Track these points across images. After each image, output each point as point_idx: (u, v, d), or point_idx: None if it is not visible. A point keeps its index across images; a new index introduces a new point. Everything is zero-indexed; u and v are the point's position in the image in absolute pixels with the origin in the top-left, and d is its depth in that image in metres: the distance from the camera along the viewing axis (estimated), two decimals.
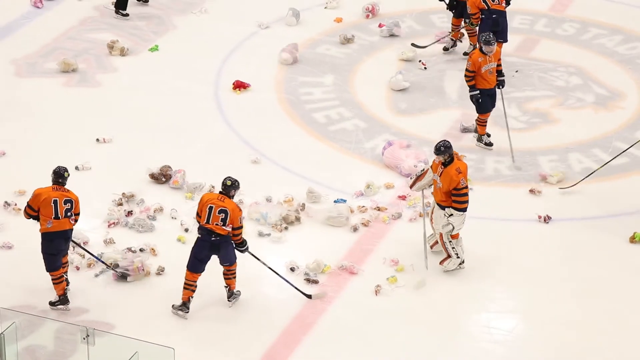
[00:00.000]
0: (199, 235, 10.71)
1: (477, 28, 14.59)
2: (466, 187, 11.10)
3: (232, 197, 10.71)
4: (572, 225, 12.21)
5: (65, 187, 10.77)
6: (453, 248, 11.36)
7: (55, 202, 10.62)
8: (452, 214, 11.16)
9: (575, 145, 13.52)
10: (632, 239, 11.92)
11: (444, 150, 11.08)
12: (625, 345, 10.61)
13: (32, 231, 11.67)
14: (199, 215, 10.70)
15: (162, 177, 12.70)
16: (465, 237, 11.49)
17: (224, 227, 10.57)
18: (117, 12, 16.04)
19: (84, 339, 9.49)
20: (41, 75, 14.73)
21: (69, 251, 11.00)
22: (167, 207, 12.20)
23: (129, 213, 12.14)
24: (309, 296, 11.09)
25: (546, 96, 14.45)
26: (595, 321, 10.86)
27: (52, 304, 10.89)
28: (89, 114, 13.98)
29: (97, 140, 13.43)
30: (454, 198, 11.08)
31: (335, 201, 12.28)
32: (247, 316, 10.88)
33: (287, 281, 11.09)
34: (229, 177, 10.74)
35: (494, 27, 14.17)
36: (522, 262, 11.64)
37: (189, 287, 10.82)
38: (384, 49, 15.34)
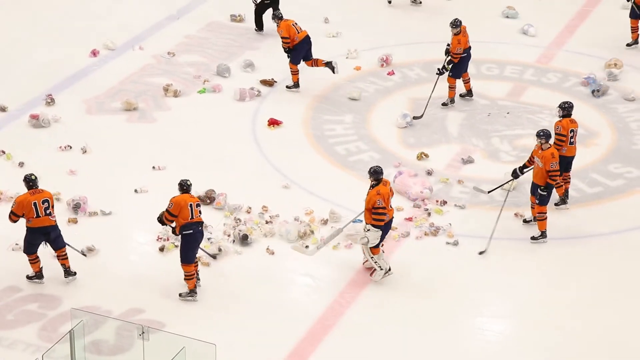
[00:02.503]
0: (189, 232, 10.76)
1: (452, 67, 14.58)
2: (383, 207, 11.03)
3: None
4: (565, 243, 12.13)
5: (39, 188, 11.00)
6: (375, 262, 11.28)
7: (34, 204, 10.83)
8: (369, 229, 11.11)
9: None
10: None
11: (372, 173, 11.12)
12: (613, 348, 10.52)
13: (98, 242, 11.75)
14: (173, 215, 10.78)
15: (207, 199, 12.71)
16: (466, 252, 11.42)
17: (201, 216, 10.91)
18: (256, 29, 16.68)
19: (140, 335, 9.49)
20: (107, 113, 14.76)
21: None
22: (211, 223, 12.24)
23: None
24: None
25: (533, 134, 14.31)
26: (588, 328, 10.78)
27: (28, 277, 11.15)
28: (147, 146, 14.00)
29: (153, 167, 13.45)
30: (373, 216, 11.05)
31: (353, 221, 12.25)
32: (276, 317, 10.87)
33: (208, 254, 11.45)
34: (184, 179, 10.97)
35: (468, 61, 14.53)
36: (518, 275, 11.58)
37: (192, 277, 10.94)
38: (396, 92, 15.33)
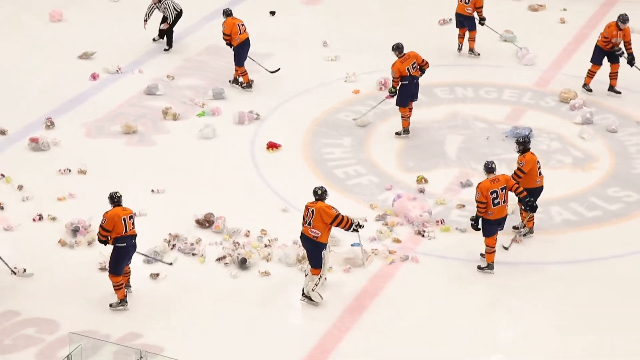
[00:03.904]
0: (122, 245, 10.90)
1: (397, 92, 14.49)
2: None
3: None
4: (564, 267, 12.11)
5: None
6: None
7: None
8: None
9: (555, 199, 13.43)
10: None
11: (320, 194, 11.21)
12: None
13: (96, 266, 11.71)
14: (107, 230, 10.86)
15: (205, 222, 12.68)
16: (462, 279, 11.41)
17: (134, 228, 11.07)
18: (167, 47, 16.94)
19: (139, 359, 9.45)
20: (107, 136, 14.76)
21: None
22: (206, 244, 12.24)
23: (173, 246, 12.26)
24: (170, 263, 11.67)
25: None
26: (589, 352, 10.77)
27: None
28: (146, 169, 13.99)
29: (152, 190, 13.43)
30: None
31: (352, 244, 12.23)
32: (275, 342, 10.81)
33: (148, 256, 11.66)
34: (113, 192, 11.08)
35: (414, 89, 14.45)
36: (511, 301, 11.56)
37: (121, 287, 11.08)
38: (394, 116, 15.32)
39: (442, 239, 12.55)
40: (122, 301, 11.14)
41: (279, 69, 16.25)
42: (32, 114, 15.17)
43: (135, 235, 11.12)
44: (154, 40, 17.27)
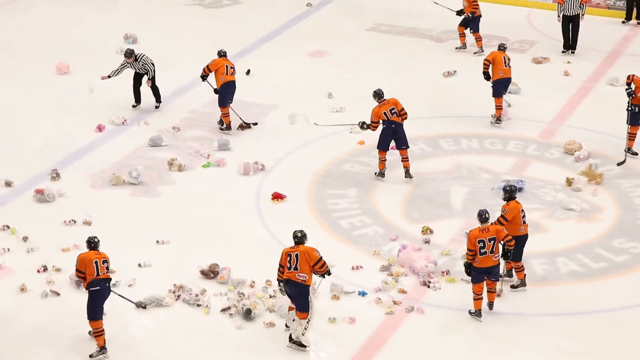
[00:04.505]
0: (95, 288, 11.04)
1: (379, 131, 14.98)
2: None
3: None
4: (570, 318, 12.12)
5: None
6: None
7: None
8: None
9: (561, 250, 13.42)
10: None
11: (300, 237, 11.31)
12: None
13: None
14: (81, 272, 11.08)
15: (210, 273, 12.69)
16: (468, 331, 11.37)
17: (107, 272, 11.24)
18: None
19: None
20: (112, 188, 14.82)
21: None
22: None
23: (178, 297, 12.27)
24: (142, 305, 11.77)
25: (537, 209, 14.40)
26: None
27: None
28: (151, 220, 14.03)
29: (157, 242, 13.46)
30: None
31: (358, 293, 12.23)
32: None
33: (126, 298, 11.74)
34: (91, 236, 11.41)
35: (393, 134, 14.71)
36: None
37: (101, 333, 11.11)
38: (399, 166, 15.38)
39: (448, 289, 12.53)
40: (102, 349, 11.15)
41: (256, 123, 16.44)
42: (38, 165, 15.26)
43: (109, 279, 11.24)
44: (134, 106, 17.01)
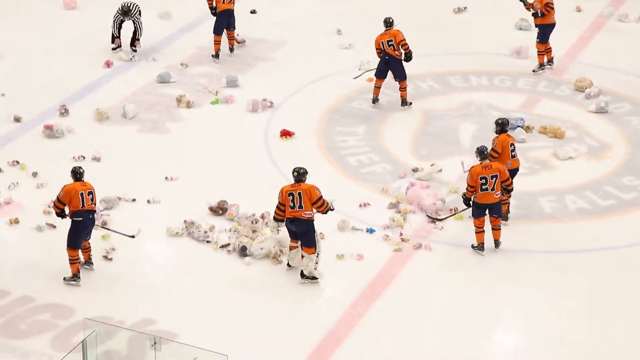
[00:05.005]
0: (79, 219, 11.13)
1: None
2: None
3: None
4: (579, 255, 12.17)
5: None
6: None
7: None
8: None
9: (570, 188, 13.45)
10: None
11: (301, 173, 11.36)
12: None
13: (110, 253, 11.82)
14: (62, 203, 11.16)
15: (219, 210, 12.76)
16: (476, 264, 11.45)
17: (92, 204, 11.28)
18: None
19: (152, 345, 9.53)
20: (120, 124, 14.85)
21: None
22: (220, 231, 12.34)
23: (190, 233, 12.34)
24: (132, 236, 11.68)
25: (545, 146, 14.40)
26: (587, 340, 10.79)
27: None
28: (160, 156, 14.07)
29: (166, 178, 13.52)
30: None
31: (367, 230, 12.31)
32: (287, 329, 10.90)
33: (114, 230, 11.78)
34: (76, 167, 11.38)
35: (387, 65, 14.92)
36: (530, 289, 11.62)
37: (76, 261, 11.28)
38: (406, 106, 15.37)
39: (458, 227, 12.58)
40: (75, 276, 11.33)
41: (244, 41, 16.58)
42: (47, 101, 15.29)
43: (94, 211, 11.33)
44: (132, 56, 16.62)
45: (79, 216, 11.21)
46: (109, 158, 13.90)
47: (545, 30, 15.93)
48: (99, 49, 16.80)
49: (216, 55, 16.46)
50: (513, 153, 12.34)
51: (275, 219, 11.49)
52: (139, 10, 16.43)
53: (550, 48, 16.09)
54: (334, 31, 17.62)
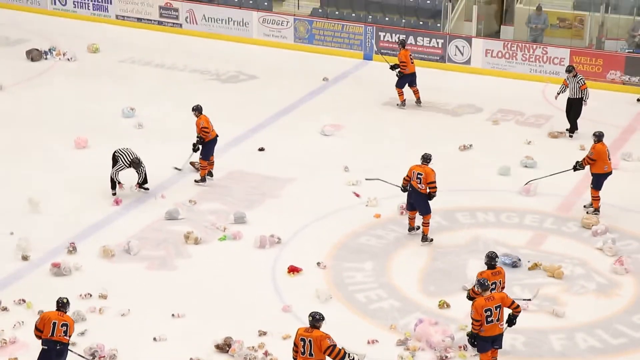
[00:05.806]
0: (44, 347, 11.35)
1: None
2: None
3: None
4: None
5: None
6: None
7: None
8: None
9: (580, 326, 13.34)
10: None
11: (313, 320, 11.30)
12: None
13: None
14: (39, 330, 11.39)
15: (226, 347, 12.67)
16: None
17: (65, 336, 11.35)
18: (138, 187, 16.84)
19: None
20: (128, 261, 14.89)
21: None
22: None
23: None
24: None
25: (554, 283, 14.36)
26: None
27: None
28: (167, 293, 14.05)
29: (173, 315, 13.48)
30: None
31: None
32: None
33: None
34: (61, 297, 11.64)
35: (409, 197, 15.38)
36: None
37: None
38: (415, 240, 15.43)
39: None
40: None
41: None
42: (55, 239, 15.36)
43: (64, 344, 11.40)
44: (114, 194, 16.61)
45: (45, 345, 11.42)
46: (116, 295, 13.86)
47: (598, 179, 16.13)
48: (107, 186, 16.96)
49: (203, 180, 17.20)
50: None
51: (293, 357, 11.37)
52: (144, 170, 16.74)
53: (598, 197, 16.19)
54: (341, 168, 17.84)
